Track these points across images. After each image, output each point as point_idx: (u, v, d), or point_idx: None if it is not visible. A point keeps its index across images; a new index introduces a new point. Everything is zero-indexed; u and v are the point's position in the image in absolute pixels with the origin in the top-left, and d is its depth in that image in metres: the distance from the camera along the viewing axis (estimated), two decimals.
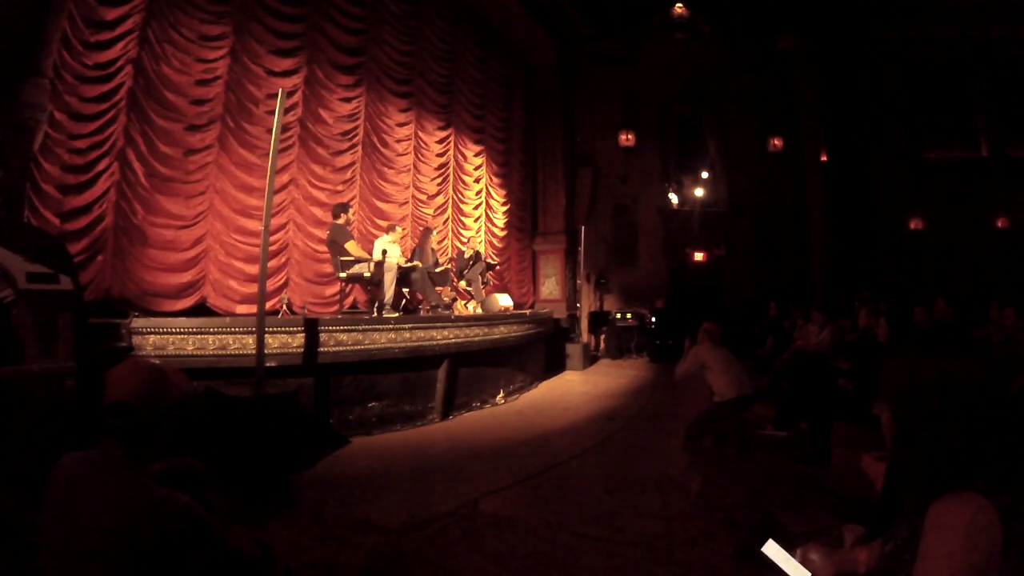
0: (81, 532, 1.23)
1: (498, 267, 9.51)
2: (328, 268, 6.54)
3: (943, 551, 0.90)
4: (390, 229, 6.58)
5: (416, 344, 5.58)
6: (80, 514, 1.24)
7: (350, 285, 6.80)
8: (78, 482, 1.29)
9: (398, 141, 7.97)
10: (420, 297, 6.87)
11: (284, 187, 6.27)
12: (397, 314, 5.96)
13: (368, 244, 6.71)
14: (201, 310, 5.32)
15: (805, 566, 1.21)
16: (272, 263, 5.83)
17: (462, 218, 9.50)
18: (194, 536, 1.27)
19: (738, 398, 4.53)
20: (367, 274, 6.00)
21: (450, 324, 6.06)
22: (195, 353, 4.28)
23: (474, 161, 9.74)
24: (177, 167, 5.29)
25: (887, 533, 1.10)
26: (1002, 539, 0.89)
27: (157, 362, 1.47)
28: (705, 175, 12.84)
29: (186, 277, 5.35)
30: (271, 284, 5.76)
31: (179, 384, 1.43)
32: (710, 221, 12.46)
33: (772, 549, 1.23)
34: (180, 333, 4.28)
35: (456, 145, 9.20)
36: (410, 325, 5.60)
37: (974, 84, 12.12)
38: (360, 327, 5.15)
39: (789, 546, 1.26)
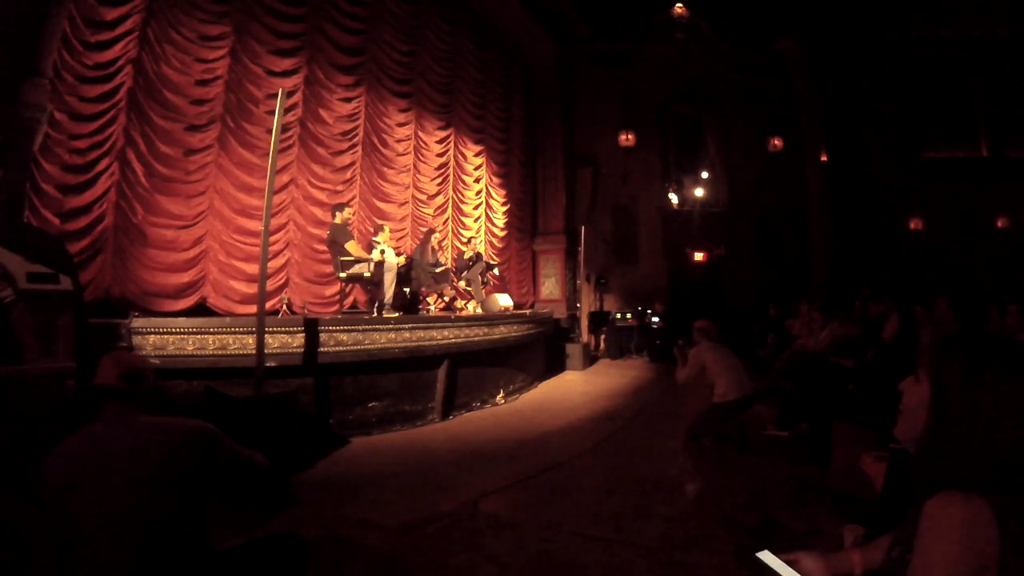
0: (123, 477, 1.44)
1: (498, 267, 9.51)
2: (328, 268, 6.53)
3: (939, 551, 0.90)
4: (379, 229, 6.56)
5: (416, 344, 5.58)
6: (118, 464, 1.46)
7: (350, 285, 6.80)
8: (103, 442, 1.51)
9: (398, 141, 7.97)
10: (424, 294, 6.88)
11: (284, 187, 6.26)
12: (397, 314, 5.96)
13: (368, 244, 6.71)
14: (201, 310, 5.32)
15: (798, 571, 1.20)
16: (272, 263, 5.83)
17: (462, 218, 9.50)
18: (217, 445, 1.61)
19: (738, 399, 4.52)
20: (367, 274, 6.00)
21: (450, 324, 6.06)
22: (195, 353, 4.28)
23: (474, 161, 9.74)
24: (177, 167, 5.29)
25: (893, 537, 1.08)
26: (999, 540, 0.88)
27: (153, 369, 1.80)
28: (705, 175, 12.85)
29: (186, 277, 5.35)
30: (271, 284, 5.76)
31: None
32: (710, 221, 12.46)
33: (767, 557, 1.23)
34: (180, 333, 4.28)
35: (456, 145, 9.20)
36: (410, 325, 5.60)
37: (974, 84, 12.12)
38: (360, 327, 5.15)
39: (790, 546, 1.26)
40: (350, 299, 7.01)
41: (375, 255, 6.10)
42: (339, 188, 6.98)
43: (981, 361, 1.00)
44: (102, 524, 1.39)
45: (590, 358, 10.08)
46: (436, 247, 7.36)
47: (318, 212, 6.64)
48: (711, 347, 4.64)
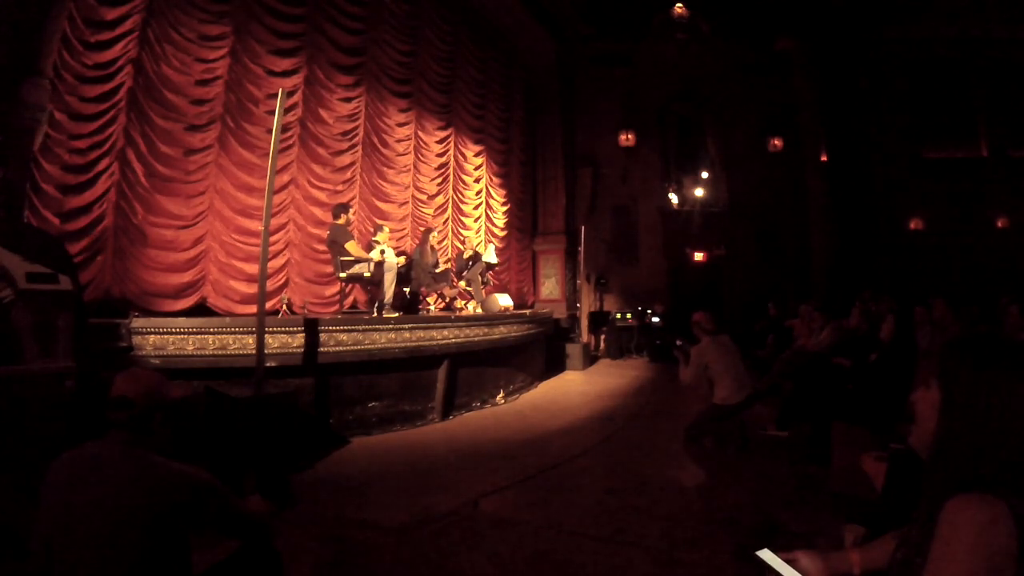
0: (97, 509, 1.38)
1: (498, 267, 9.51)
2: (328, 268, 6.53)
3: (956, 553, 0.89)
4: (378, 229, 6.56)
5: (416, 344, 5.58)
6: (95, 493, 1.40)
7: (350, 285, 6.80)
8: (89, 467, 1.45)
9: (398, 141, 7.97)
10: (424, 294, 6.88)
11: (284, 187, 6.26)
12: (397, 314, 5.96)
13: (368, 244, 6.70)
14: (201, 310, 5.32)
15: (798, 570, 1.20)
16: (272, 263, 5.83)
17: (462, 218, 9.50)
18: (207, 498, 1.50)
19: (740, 401, 4.51)
20: (367, 274, 6.00)
21: (450, 324, 6.06)
22: (195, 353, 4.28)
23: (474, 161, 9.74)
24: (177, 167, 5.29)
25: (898, 539, 1.08)
26: (1017, 545, 0.87)
27: (155, 370, 1.70)
28: (705, 175, 12.84)
29: (186, 277, 5.35)
30: (271, 284, 5.76)
31: (177, 388, 1.66)
32: (710, 221, 12.45)
33: (767, 555, 1.23)
34: (180, 333, 4.28)
35: (456, 145, 9.20)
36: (410, 325, 5.60)
37: (974, 84, 12.12)
38: (360, 327, 5.15)
39: (790, 546, 1.26)
40: (350, 299, 7.01)
41: (375, 255, 6.10)
42: (339, 188, 6.98)
43: (987, 362, 1.00)
44: (78, 541, 1.36)
45: (590, 358, 10.08)
46: (435, 246, 7.35)
47: (318, 212, 6.64)
48: (712, 344, 4.61)
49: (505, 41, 10.42)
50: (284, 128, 5.71)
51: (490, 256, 8.19)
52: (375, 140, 7.53)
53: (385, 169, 7.73)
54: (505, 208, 10.54)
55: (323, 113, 6.79)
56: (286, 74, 6.24)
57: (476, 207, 9.85)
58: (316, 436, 4.67)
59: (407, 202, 8.15)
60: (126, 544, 1.36)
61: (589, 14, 11.16)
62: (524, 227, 11.32)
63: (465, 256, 8.31)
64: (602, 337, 11.54)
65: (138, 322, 4.20)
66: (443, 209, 9.00)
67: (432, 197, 8.71)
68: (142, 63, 4.99)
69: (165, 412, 1.58)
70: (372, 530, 3.09)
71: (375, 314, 5.89)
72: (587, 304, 11.53)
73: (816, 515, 3.19)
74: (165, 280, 5.21)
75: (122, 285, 4.87)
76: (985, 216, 11.73)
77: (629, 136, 11.78)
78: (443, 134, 8.86)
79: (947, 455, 1.01)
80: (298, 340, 4.71)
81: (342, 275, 6.08)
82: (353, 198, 7.11)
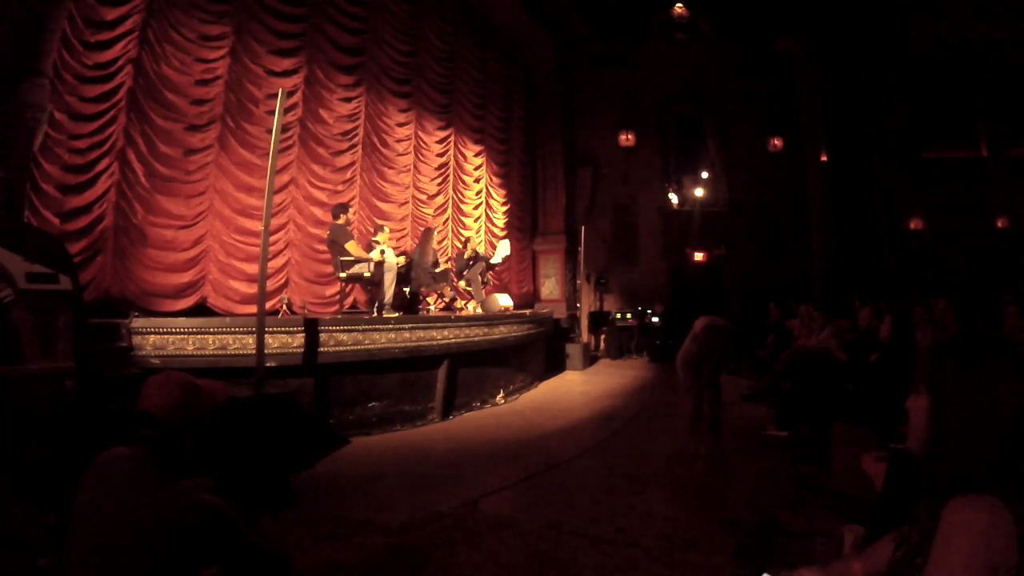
0: (109, 526, 1.29)
1: (498, 267, 9.51)
2: (328, 268, 6.53)
3: (955, 554, 0.89)
4: (379, 230, 6.56)
5: (416, 344, 5.58)
6: (111, 508, 1.31)
7: (350, 285, 6.80)
8: (109, 481, 1.35)
9: (398, 141, 7.97)
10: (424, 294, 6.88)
11: (284, 187, 6.26)
12: (397, 314, 5.96)
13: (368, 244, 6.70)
14: (201, 310, 5.32)
15: None
16: (272, 263, 5.82)
17: (462, 218, 9.50)
18: (219, 534, 1.35)
19: (708, 330, 4.77)
20: (367, 274, 6.00)
21: (450, 324, 6.06)
22: (195, 353, 4.28)
23: (474, 161, 9.74)
24: (177, 167, 5.29)
25: (897, 539, 1.08)
26: (1017, 547, 0.87)
27: (190, 377, 1.52)
28: (705, 175, 12.84)
29: (186, 277, 5.35)
30: (271, 284, 5.75)
31: (214, 395, 1.53)
32: (710, 221, 12.45)
33: None
34: (180, 333, 4.28)
35: (456, 145, 9.20)
36: (410, 325, 5.60)
37: (974, 84, 12.11)
38: (360, 327, 5.15)
39: (790, 546, 1.26)
40: (350, 299, 7.01)
41: (375, 255, 6.10)
42: (339, 188, 6.98)
43: (971, 362, 1.00)
44: (87, 558, 1.31)
45: (590, 358, 10.08)
46: (435, 246, 7.35)
47: (318, 212, 6.64)
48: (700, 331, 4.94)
49: (505, 41, 10.42)
50: (284, 128, 5.71)
51: (505, 250, 8.20)
52: (375, 140, 7.53)
53: (385, 169, 7.73)
54: (505, 208, 10.54)
55: (323, 113, 6.79)
56: (286, 74, 6.24)
57: (476, 207, 9.85)
58: (316, 436, 4.67)
59: (407, 202, 8.15)
60: (129, 571, 1.27)
61: (589, 14, 11.15)
62: (524, 227, 11.32)
63: (465, 256, 8.31)
64: (602, 337, 11.54)
65: (138, 322, 4.21)
66: (443, 209, 9.00)
67: (432, 197, 8.71)
68: (142, 63, 4.99)
69: (195, 431, 1.43)
70: (372, 530, 3.09)
71: (375, 314, 5.89)
72: (587, 304, 11.53)
73: (816, 515, 3.19)
74: (165, 280, 5.21)
75: (122, 285, 4.87)
76: (985, 216, 11.73)
77: (629, 136, 11.78)
78: (443, 134, 8.86)
79: (941, 457, 1.01)
80: (298, 340, 4.71)
81: (342, 275, 6.08)
82: (353, 198, 7.11)
